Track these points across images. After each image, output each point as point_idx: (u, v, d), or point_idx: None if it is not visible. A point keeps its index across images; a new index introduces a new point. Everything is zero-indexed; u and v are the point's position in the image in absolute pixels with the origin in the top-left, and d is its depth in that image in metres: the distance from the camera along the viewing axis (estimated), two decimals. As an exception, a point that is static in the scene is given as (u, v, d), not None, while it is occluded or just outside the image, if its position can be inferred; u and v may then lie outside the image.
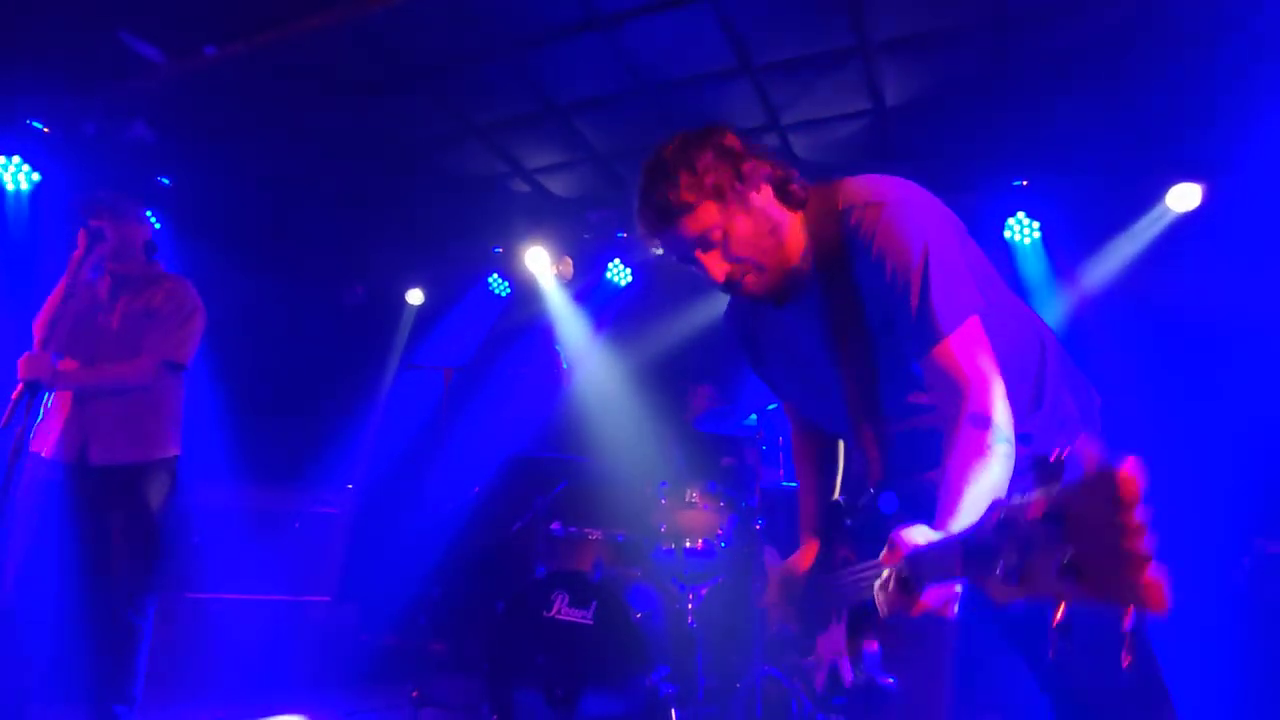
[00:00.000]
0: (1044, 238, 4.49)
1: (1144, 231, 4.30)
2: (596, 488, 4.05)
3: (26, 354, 2.47)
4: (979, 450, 1.17)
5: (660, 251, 1.50)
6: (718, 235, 1.37)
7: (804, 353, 1.54)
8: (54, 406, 2.57)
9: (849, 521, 1.44)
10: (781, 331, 1.59)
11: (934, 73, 3.86)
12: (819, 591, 1.57)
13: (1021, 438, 1.25)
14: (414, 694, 3.36)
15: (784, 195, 1.44)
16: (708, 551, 3.48)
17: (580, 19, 3.57)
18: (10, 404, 2.36)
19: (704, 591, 3.40)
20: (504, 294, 5.99)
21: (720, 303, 5.49)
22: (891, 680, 1.25)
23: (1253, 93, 3.64)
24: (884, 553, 1.06)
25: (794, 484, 3.47)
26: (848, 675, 1.36)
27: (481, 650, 3.27)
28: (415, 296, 6.12)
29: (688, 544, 3.47)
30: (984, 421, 1.19)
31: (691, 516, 3.56)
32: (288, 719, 3.54)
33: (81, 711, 2.58)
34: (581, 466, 4.14)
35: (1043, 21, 3.44)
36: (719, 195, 1.36)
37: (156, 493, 2.77)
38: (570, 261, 5.54)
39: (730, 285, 1.41)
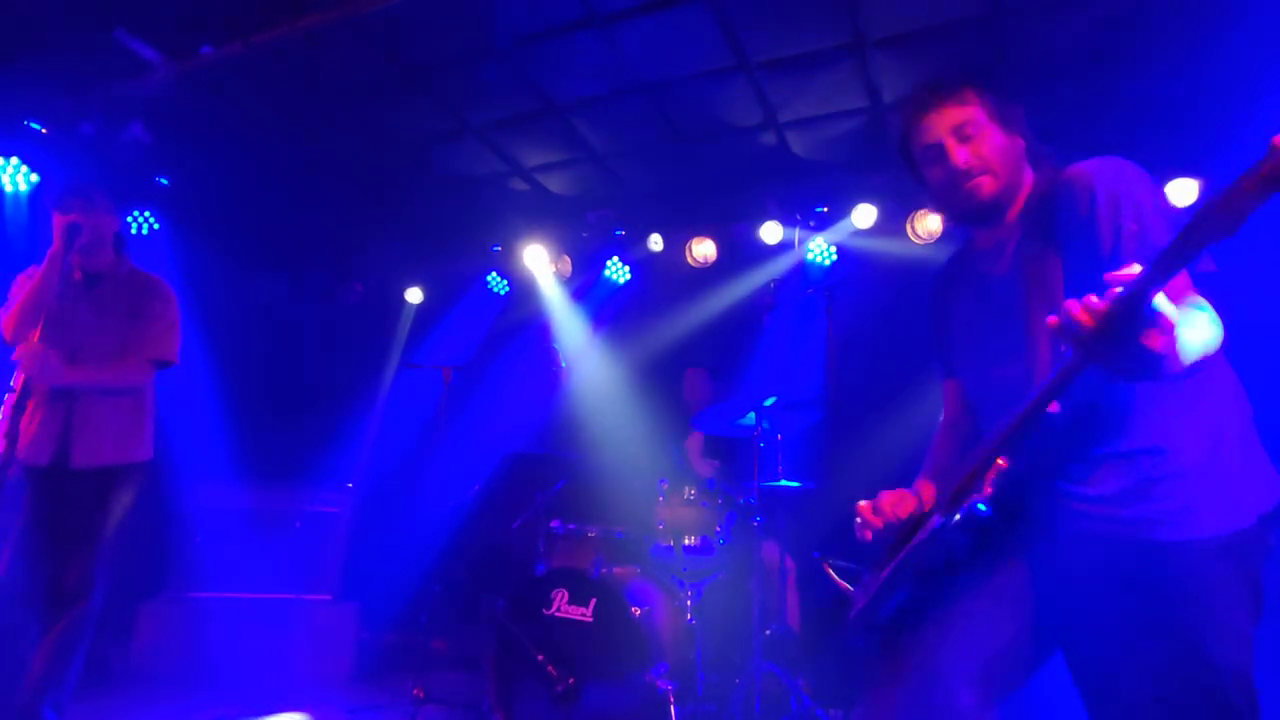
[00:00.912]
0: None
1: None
2: (595, 485, 4.06)
3: (24, 347, 2.44)
4: (1195, 313, 1.19)
5: (913, 142, 1.59)
6: (973, 130, 1.51)
7: (993, 305, 1.56)
8: (23, 412, 2.42)
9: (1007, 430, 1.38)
10: (974, 290, 1.63)
11: (930, 69, 3.86)
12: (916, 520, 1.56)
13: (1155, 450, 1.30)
14: (417, 692, 3.38)
15: (1032, 155, 1.58)
16: (706, 548, 3.49)
17: (577, 18, 3.57)
18: (10, 408, 2.37)
19: (703, 588, 3.42)
20: (503, 292, 6.01)
21: (716, 299, 5.44)
22: (984, 509, 1.26)
23: (1250, 86, 3.64)
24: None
25: (795, 483, 3.50)
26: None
27: (482, 647, 3.29)
28: (414, 295, 6.13)
29: (686, 541, 3.49)
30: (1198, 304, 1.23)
31: (690, 513, 3.57)
32: (290, 716, 3.56)
33: (9, 712, 2.50)
34: (580, 464, 4.16)
35: (1037, 16, 3.45)
36: (987, 105, 1.53)
37: (129, 495, 2.75)
38: (569, 260, 5.55)
39: (965, 176, 1.51)
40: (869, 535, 1.58)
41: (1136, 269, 1.03)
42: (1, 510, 2.45)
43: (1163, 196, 1.40)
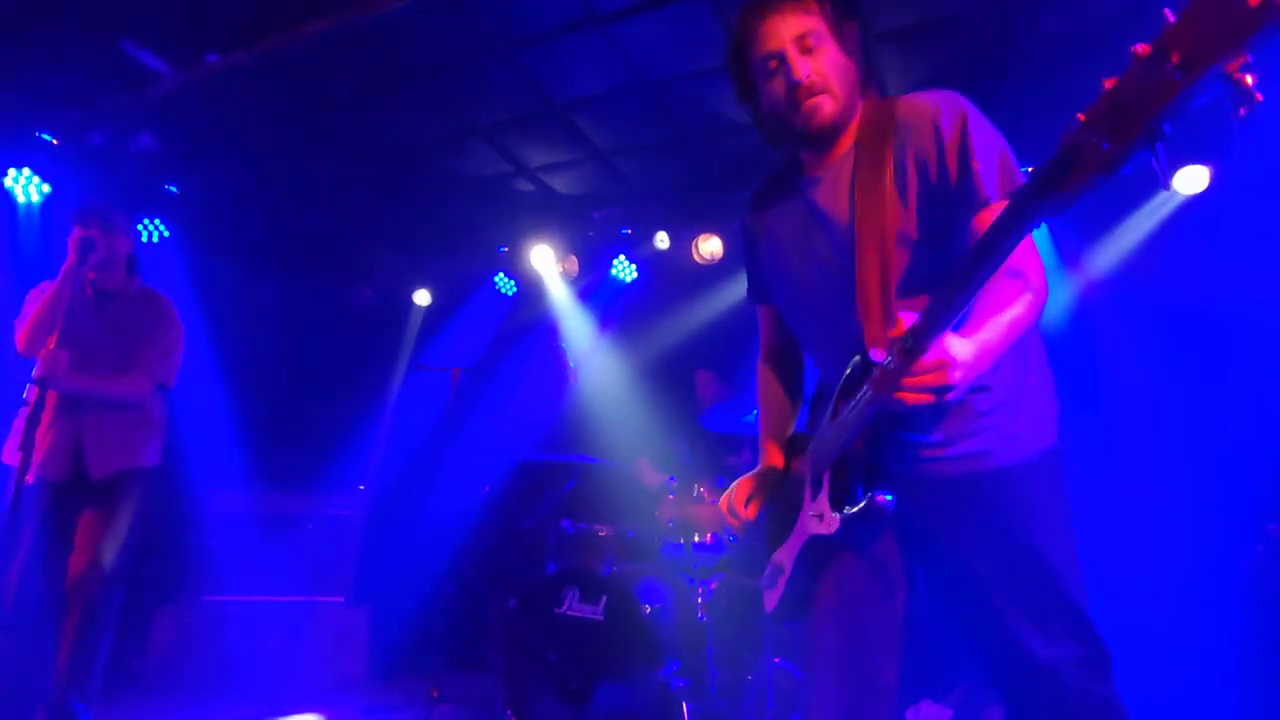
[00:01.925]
0: (1048, 224, 4.46)
1: (1150, 215, 4.26)
2: (605, 484, 4.07)
3: (43, 351, 2.51)
4: (1011, 291, 1.23)
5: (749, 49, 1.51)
6: (815, 42, 1.44)
7: (820, 236, 1.52)
8: (36, 427, 2.46)
9: (842, 383, 1.41)
10: (799, 218, 1.58)
11: (934, 61, 3.84)
12: (784, 492, 1.61)
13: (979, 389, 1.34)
14: (434, 693, 3.40)
15: (863, 80, 1.52)
16: (716, 546, 3.49)
17: (578, 17, 3.57)
18: (25, 421, 2.41)
19: (713, 585, 3.42)
20: (510, 293, 6.02)
21: (724, 296, 5.44)
22: (889, 498, 1.28)
23: (1261, 70, 3.58)
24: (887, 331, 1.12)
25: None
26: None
27: (495, 647, 3.31)
28: (422, 298, 6.15)
29: (696, 538, 3.49)
30: (1020, 274, 1.25)
31: (700, 511, 3.57)
32: (307, 717, 3.59)
33: (39, 709, 2.58)
34: (590, 464, 4.17)
35: (1042, 4, 3.42)
36: (828, 17, 1.47)
37: (137, 498, 2.81)
38: (575, 259, 5.56)
39: (806, 92, 1.44)
40: (740, 534, 1.64)
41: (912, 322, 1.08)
42: (17, 519, 2.49)
43: (1002, 136, 1.40)
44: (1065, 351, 3.64)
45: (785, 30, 1.44)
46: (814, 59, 1.44)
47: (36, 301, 2.74)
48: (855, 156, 1.47)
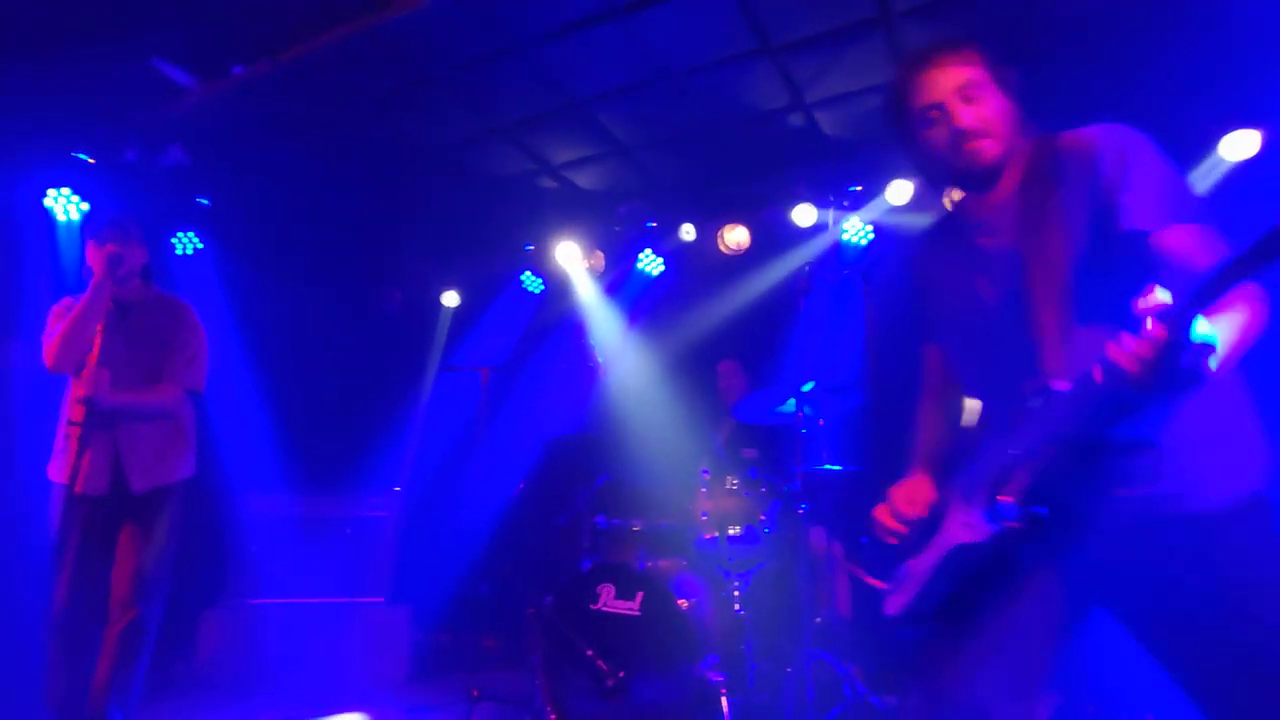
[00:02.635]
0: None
1: (1197, 184, 4.11)
2: (638, 479, 4.05)
3: (88, 370, 2.56)
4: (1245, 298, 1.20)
5: (910, 100, 1.53)
6: (975, 91, 1.48)
7: (986, 278, 1.54)
8: (76, 443, 2.52)
9: (1012, 410, 1.40)
10: (964, 261, 1.61)
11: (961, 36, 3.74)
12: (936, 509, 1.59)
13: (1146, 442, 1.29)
14: (473, 691, 3.41)
15: (1023, 120, 1.54)
16: (751, 538, 3.46)
17: (596, 11, 3.55)
18: (73, 440, 2.48)
19: (750, 578, 3.38)
20: (537, 291, 6.03)
21: (751, 286, 5.37)
22: (1044, 512, 1.26)
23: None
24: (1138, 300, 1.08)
25: (839, 467, 3.44)
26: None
27: (532, 645, 3.31)
28: (451, 299, 6.20)
29: (731, 531, 3.45)
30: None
31: (733, 503, 3.54)
32: (350, 717, 3.64)
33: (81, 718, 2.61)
34: (622, 458, 4.15)
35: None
36: (989, 67, 1.50)
37: (175, 510, 2.85)
38: (601, 254, 5.55)
39: (968, 137, 1.47)
40: (894, 540, 1.60)
41: (1166, 297, 1.04)
42: (64, 534, 2.55)
43: (1171, 164, 1.37)
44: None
45: (946, 81, 1.49)
46: (976, 106, 1.48)
47: (62, 318, 2.76)
48: (1020, 196, 1.50)
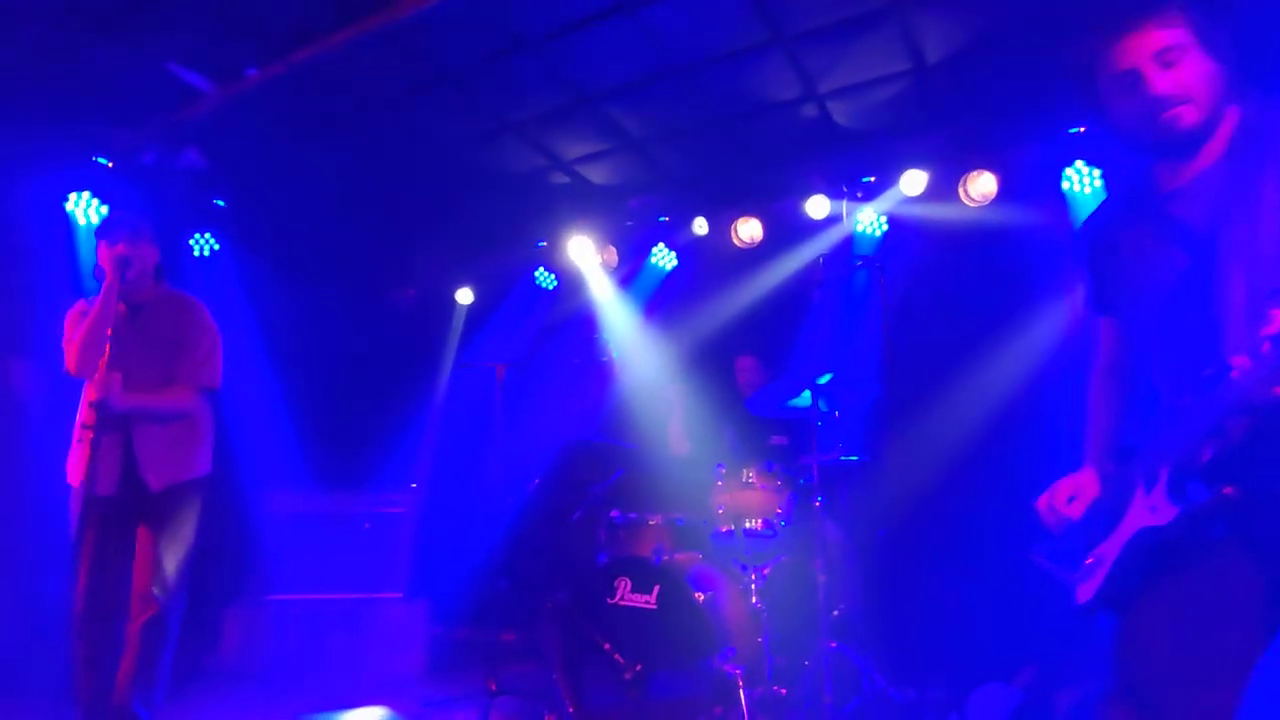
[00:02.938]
0: (1106, 185, 4.26)
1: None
2: (653, 473, 4.05)
3: (98, 374, 2.57)
4: None
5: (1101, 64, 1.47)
6: (1176, 55, 1.40)
7: (1178, 247, 1.48)
8: (89, 440, 2.52)
9: (1194, 387, 1.35)
10: (1153, 230, 1.53)
11: (975, 23, 3.70)
12: (1110, 492, 1.56)
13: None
14: (491, 685, 3.43)
15: (1236, 83, 1.46)
16: (768, 531, 3.45)
17: (606, 6, 3.54)
18: (87, 444, 2.50)
19: (766, 571, 3.37)
20: (551, 287, 6.04)
21: (765, 279, 5.33)
22: (1233, 490, 1.22)
23: None
24: None
25: (855, 456, 3.42)
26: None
27: (550, 639, 3.32)
28: (465, 296, 6.22)
29: (747, 524, 3.44)
30: None
31: (750, 497, 3.53)
32: (372, 710, 3.67)
33: (105, 714, 2.64)
34: (637, 453, 4.15)
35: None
36: (1195, 27, 1.41)
37: (194, 508, 2.87)
38: (614, 249, 5.54)
39: (1164, 104, 1.40)
40: (1062, 529, 1.58)
41: None
42: (81, 535, 2.57)
43: None
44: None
45: (1142, 47, 1.41)
46: (1175, 71, 1.40)
47: (79, 322, 2.77)
48: (1224, 165, 1.42)
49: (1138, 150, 1.53)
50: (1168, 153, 1.48)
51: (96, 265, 2.80)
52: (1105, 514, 1.55)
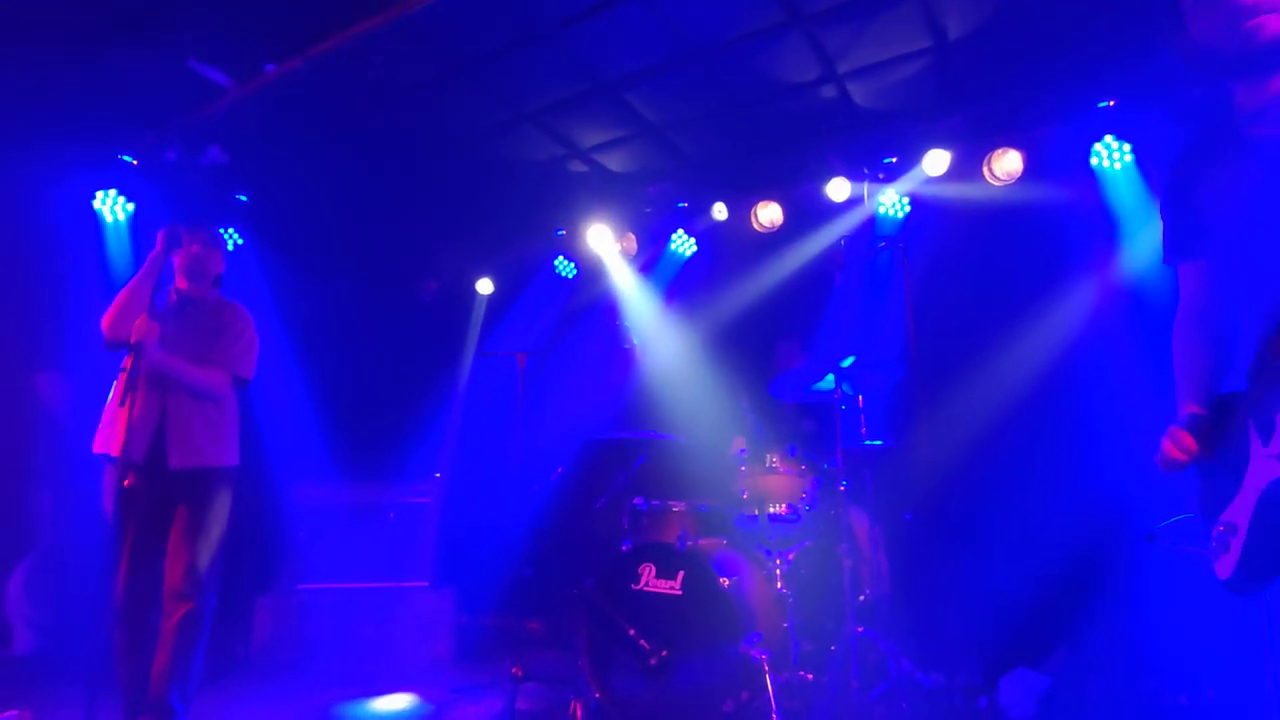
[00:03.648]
0: (1137, 160, 4.16)
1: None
2: (676, 460, 4.04)
3: (140, 320, 2.59)
4: None
5: None
6: None
7: (1275, 168, 1.42)
8: (123, 407, 2.50)
9: None
10: (1245, 157, 1.47)
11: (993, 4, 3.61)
12: (1222, 450, 1.47)
13: None
14: (516, 671, 3.45)
15: None
16: (792, 516, 3.43)
17: (620, -10, 3.52)
18: (119, 390, 2.50)
19: (791, 556, 3.35)
20: (570, 275, 6.04)
21: (785, 263, 5.27)
22: None
23: None
24: None
25: (879, 441, 3.39)
26: None
27: (575, 626, 3.33)
28: (485, 286, 6.25)
29: (771, 509, 3.43)
30: None
31: (773, 482, 3.51)
32: (399, 696, 3.72)
33: (142, 705, 2.68)
34: (659, 440, 4.14)
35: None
36: None
37: (225, 497, 2.92)
38: (634, 237, 5.52)
39: (1247, 13, 1.36)
40: (1181, 469, 1.51)
41: None
42: (120, 512, 2.61)
43: None
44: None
45: None
46: None
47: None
48: None
49: (1219, 71, 1.47)
50: (1249, 67, 1.41)
51: (159, 244, 2.83)
52: (1218, 475, 1.45)
